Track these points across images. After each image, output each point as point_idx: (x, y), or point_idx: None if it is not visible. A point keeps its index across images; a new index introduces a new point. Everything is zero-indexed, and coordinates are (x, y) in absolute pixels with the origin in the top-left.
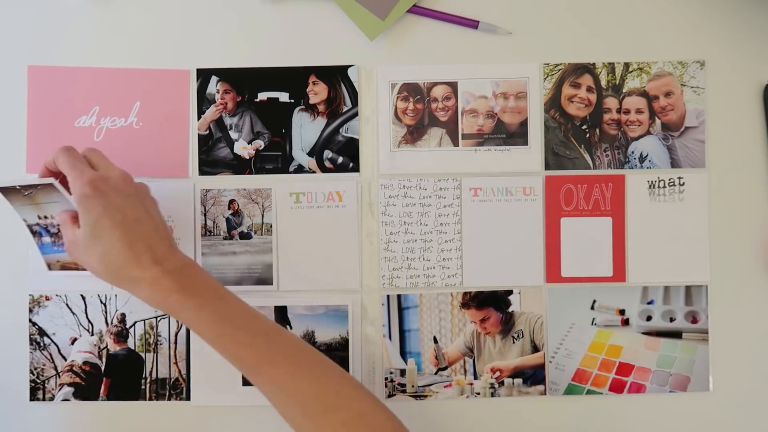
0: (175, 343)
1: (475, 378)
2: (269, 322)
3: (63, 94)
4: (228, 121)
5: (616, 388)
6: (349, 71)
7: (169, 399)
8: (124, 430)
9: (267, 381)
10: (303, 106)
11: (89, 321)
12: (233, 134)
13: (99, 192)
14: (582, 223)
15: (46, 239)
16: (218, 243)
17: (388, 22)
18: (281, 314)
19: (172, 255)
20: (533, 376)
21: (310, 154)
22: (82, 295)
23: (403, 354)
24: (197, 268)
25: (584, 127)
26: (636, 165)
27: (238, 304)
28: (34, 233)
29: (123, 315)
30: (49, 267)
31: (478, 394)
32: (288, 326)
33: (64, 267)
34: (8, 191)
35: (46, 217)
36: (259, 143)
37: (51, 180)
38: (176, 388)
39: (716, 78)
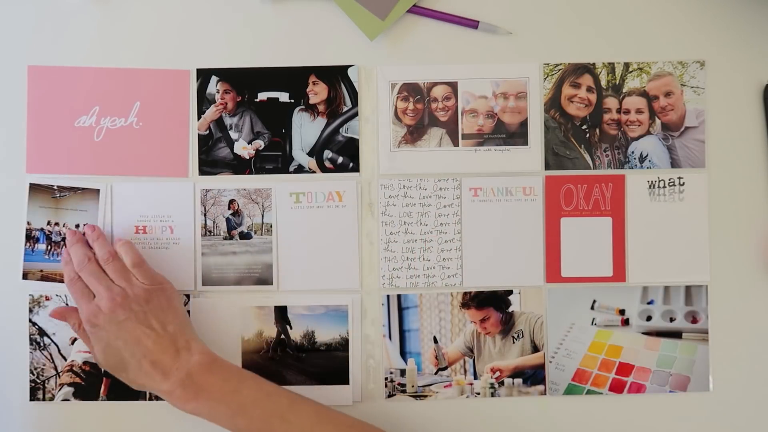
0: None
1: (475, 378)
2: (284, 399)
3: (63, 94)
4: (228, 121)
5: (616, 388)
6: (349, 71)
7: None
8: (124, 430)
9: None
10: (303, 106)
11: None
12: (233, 134)
13: (95, 328)
14: (582, 223)
15: (41, 246)
16: (218, 243)
17: (388, 22)
18: (281, 314)
19: (179, 361)
20: (533, 376)
21: (310, 154)
22: None
23: (403, 354)
24: (206, 366)
25: (584, 127)
26: (636, 165)
27: (251, 391)
28: (29, 238)
29: None
30: (25, 276)
31: (478, 394)
32: (288, 326)
33: (45, 277)
34: (39, 189)
35: (57, 224)
36: (259, 143)
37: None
38: None
39: (716, 78)
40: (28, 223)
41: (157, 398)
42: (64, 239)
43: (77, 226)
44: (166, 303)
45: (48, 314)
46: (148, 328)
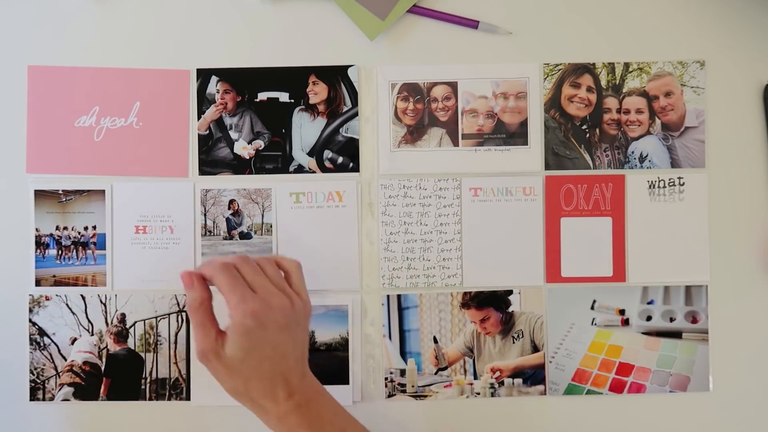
0: (175, 343)
1: (475, 378)
2: None
3: (63, 94)
4: (228, 121)
5: (616, 388)
6: (349, 71)
7: (169, 399)
8: (124, 430)
9: None
10: (303, 106)
11: (89, 321)
12: (233, 134)
13: (260, 325)
14: (582, 223)
15: (51, 252)
16: (218, 243)
17: (388, 22)
18: None
19: (303, 385)
20: (533, 376)
21: (310, 154)
22: (82, 295)
23: (403, 354)
24: (323, 399)
25: (584, 127)
26: (636, 165)
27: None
28: (39, 244)
29: (123, 315)
30: (38, 282)
31: (478, 394)
32: None
33: (58, 282)
34: (45, 194)
35: (65, 228)
36: (259, 143)
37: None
38: (176, 388)
39: (716, 78)
40: (37, 230)
41: (158, 398)
42: (74, 243)
43: (86, 228)
44: (306, 325)
45: (180, 274)
46: (295, 343)
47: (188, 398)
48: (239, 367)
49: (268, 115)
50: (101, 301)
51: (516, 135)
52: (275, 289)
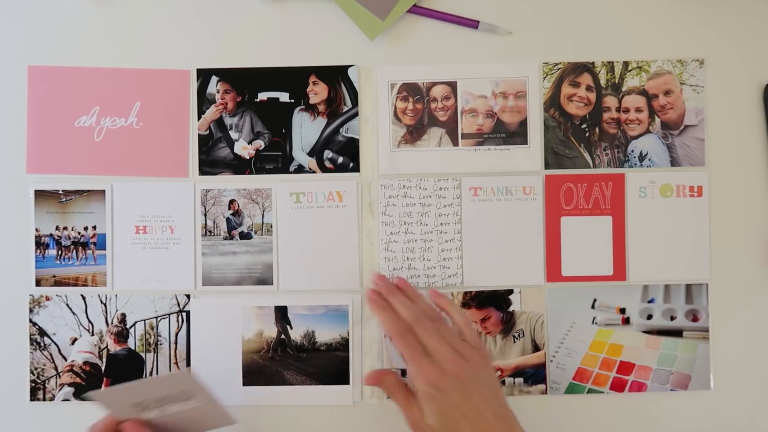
0: (175, 343)
1: None
2: None
3: (63, 94)
4: (228, 121)
5: (617, 386)
6: (349, 71)
7: None
8: None
9: None
10: (303, 106)
11: (89, 321)
12: (233, 134)
13: (440, 391)
14: (582, 222)
15: (51, 252)
16: (218, 243)
17: (388, 22)
18: (281, 314)
19: None
20: (534, 376)
21: (310, 154)
22: (82, 295)
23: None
24: None
25: (584, 126)
26: (636, 164)
27: None
28: (39, 244)
29: (123, 315)
30: (39, 282)
31: None
32: (288, 326)
33: (58, 283)
34: (44, 195)
35: (65, 228)
36: (260, 143)
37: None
38: None
39: (715, 76)
40: (37, 230)
41: None
42: (74, 243)
43: (86, 228)
44: (494, 375)
45: (364, 382)
46: (485, 398)
47: None
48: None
49: (269, 115)
50: (101, 301)
51: (516, 134)
52: (450, 351)
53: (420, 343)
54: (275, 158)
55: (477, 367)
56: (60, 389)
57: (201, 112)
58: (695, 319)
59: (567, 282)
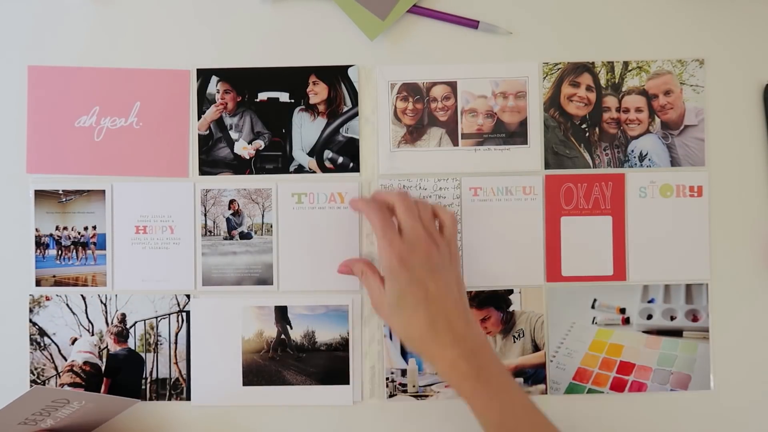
0: (176, 343)
1: None
2: (545, 419)
3: (63, 94)
4: (228, 121)
5: (617, 387)
6: (349, 71)
7: (169, 399)
8: (124, 429)
9: None
10: (303, 106)
11: (89, 321)
12: (233, 134)
13: (405, 266)
14: (582, 222)
15: (51, 252)
16: (218, 243)
17: (388, 22)
18: (282, 314)
19: (470, 332)
20: (534, 376)
21: (310, 154)
22: (82, 295)
23: (404, 354)
24: (489, 348)
25: (584, 126)
26: (636, 164)
27: (521, 394)
28: (39, 244)
29: (123, 315)
30: (39, 282)
31: None
32: (288, 326)
33: (58, 283)
34: (44, 195)
35: (65, 228)
36: (260, 143)
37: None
38: (176, 388)
39: (715, 76)
40: (37, 230)
41: (158, 398)
42: (74, 243)
43: (86, 228)
44: (459, 272)
45: (338, 271)
46: (449, 287)
47: (188, 398)
48: (398, 313)
49: (269, 115)
50: (101, 301)
51: (516, 134)
52: (423, 233)
53: (397, 222)
54: (275, 158)
55: (447, 257)
56: (63, 389)
57: (201, 112)
58: (695, 319)
59: (567, 282)
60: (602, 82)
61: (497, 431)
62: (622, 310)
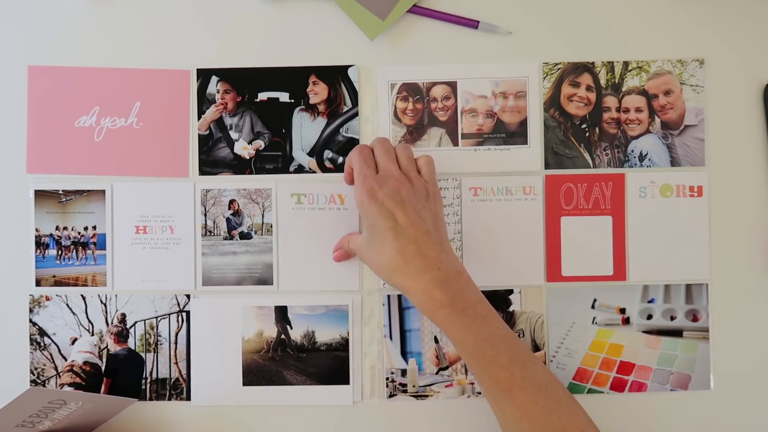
0: (176, 343)
1: None
2: (524, 350)
3: (63, 94)
4: (228, 121)
5: (617, 387)
6: (349, 71)
7: (169, 399)
8: (123, 429)
9: (514, 406)
10: (303, 106)
11: (89, 321)
12: (233, 134)
13: (373, 198)
14: (582, 222)
15: (51, 252)
16: (218, 243)
17: (388, 22)
18: (281, 314)
19: (443, 261)
20: None
21: (310, 154)
22: (82, 295)
23: (404, 354)
24: (465, 277)
25: (584, 126)
26: (636, 164)
27: (498, 324)
28: (39, 245)
29: (123, 315)
30: (39, 282)
31: (479, 393)
32: (288, 326)
33: (58, 283)
34: (44, 195)
35: (65, 228)
36: (260, 143)
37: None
38: (176, 388)
39: (716, 76)
40: (37, 230)
41: (158, 398)
42: (74, 243)
43: (86, 228)
44: (438, 210)
45: (335, 260)
46: (421, 218)
47: (188, 398)
48: (371, 246)
49: (269, 115)
50: (101, 301)
51: (516, 134)
52: (396, 171)
53: (374, 162)
54: (275, 158)
55: (422, 194)
56: (60, 389)
57: (201, 112)
58: (695, 319)
59: (567, 282)
60: (602, 82)
61: (474, 361)
62: (622, 310)
